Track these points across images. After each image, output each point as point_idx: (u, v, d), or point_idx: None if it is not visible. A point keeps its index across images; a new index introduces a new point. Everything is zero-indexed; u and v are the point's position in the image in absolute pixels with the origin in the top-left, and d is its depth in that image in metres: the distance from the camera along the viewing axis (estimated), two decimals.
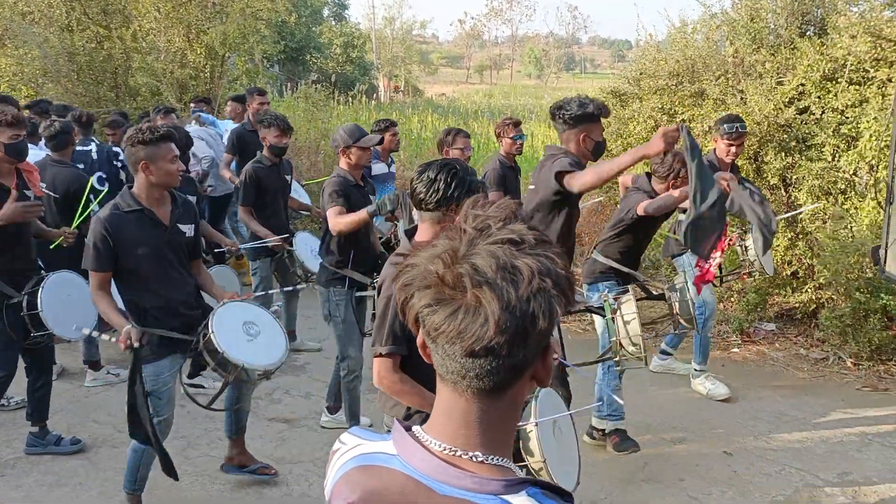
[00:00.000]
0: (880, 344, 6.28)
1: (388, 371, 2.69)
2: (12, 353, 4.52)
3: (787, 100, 6.87)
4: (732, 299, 7.54)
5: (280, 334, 3.95)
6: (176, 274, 3.81)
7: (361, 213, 4.56)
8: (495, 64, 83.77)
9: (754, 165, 7.05)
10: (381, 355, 2.69)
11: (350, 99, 18.27)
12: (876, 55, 6.52)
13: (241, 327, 3.81)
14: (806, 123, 6.80)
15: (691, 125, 7.27)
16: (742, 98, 7.11)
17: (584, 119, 3.89)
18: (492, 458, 1.06)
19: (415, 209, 2.82)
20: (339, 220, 4.60)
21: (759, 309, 7.23)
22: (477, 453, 1.06)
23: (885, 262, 4.57)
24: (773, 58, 7.12)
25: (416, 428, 1.12)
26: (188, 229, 3.89)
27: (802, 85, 6.84)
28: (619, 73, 8.92)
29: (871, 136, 6.31)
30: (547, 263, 1.02)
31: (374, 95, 19.97)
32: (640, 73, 8.08)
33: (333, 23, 33.78)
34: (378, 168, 6.47)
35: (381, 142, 5.89)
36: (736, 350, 6.84)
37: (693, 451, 4.97)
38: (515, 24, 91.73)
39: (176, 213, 3.84)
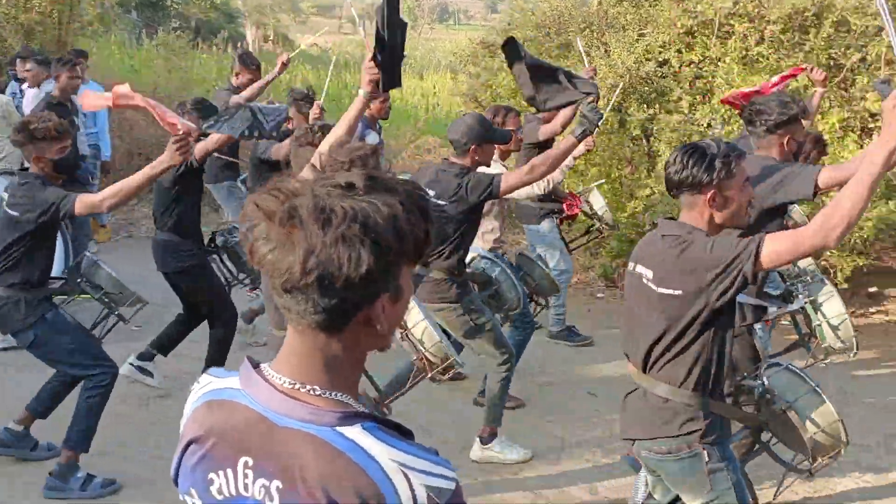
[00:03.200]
0: None
1: None
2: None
3: (647, 53, 7.08)
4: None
5: None
6: None
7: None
8: (369, 14, 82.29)
9: (618, 117, 7.25)
10: None
11: (214, 47, 17.47)
12: (738, 10, 6.80)
13: None
14: (665, 77, 7.04)
15: None
16: (606, 50, 7.27)
17: (788, 123, 3.48)
18: (332, 393, 1.10)
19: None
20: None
21: (622, 256, 7.52)
22: (316, 387, 1.09)
23: None
24: (636, 11, 7.31)
25: (264, 364, 1.15)
26: None
27: (664, 39, 7.06)
28: (490, 25, 8.90)
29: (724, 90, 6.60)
30: (368, 210, 1.02)
31: (240, 44, 19.17)
32: (509, 25, 8.11)
33: None
34: (370, 139, 5.86)
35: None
36: (601, 296, 7.11)
37: (560, 392, 5.18)
38: None
39: None
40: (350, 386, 1.14)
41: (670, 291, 2.54)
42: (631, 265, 2.75)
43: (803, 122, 3.76)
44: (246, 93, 5.68)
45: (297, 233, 1.01)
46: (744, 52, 6.57)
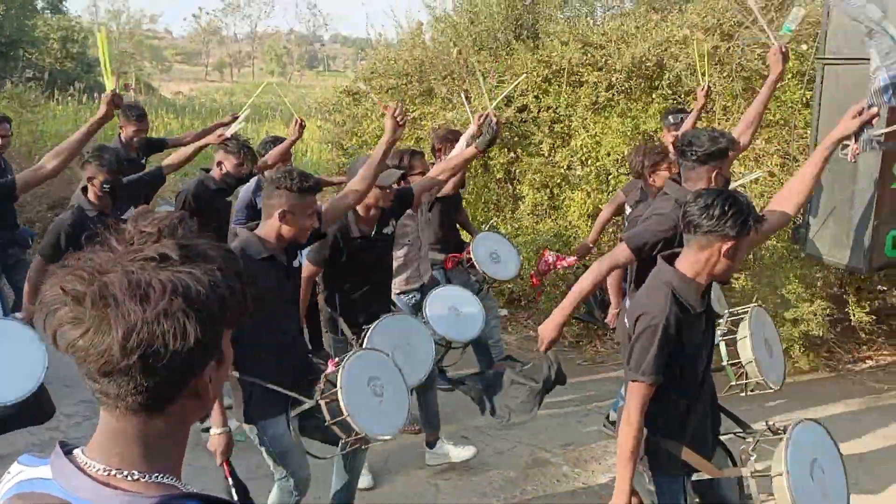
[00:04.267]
0: (587, 324, 6.89)
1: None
2: None
3: (507, 100, 7.32)
4: None
5: (403, 389, 3.52)
6: None
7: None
8: (236, 61, 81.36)
9: (482, 161, 7.43)
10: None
11: (69, 98, 16.78)
12: (587, 60, 7.15)
13: (367, 385, 3.37)
14: (525, 122, 7.29)
15: (422, 123, 7.54)
16: (466, 97, 7.46)
17: (716, 156, 3.54)
18: (153, 476, 1.04)
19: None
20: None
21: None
22: (134, 472, 1.03)
23: (805, 241, 4.90)
24: (494, 59, 7.56)
25: (77, 450, 1.08)
26: None
27: (522, 87, 7.32)
28: (353, 72, 8.97)
29: (581, 134, 6.91)
30: (188, 281, 0.99)
31: (97, 95, 18.50)
32: (372, 73, 8.21)
33: (50, 15, 30.86)
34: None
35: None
36: None
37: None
38: (255, 20, 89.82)
39: None
40: (174, 466, 1.09)
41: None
42: None
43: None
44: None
45: (112, 312, 0.96)
46: (594, 98, 6.89)
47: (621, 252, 3.48)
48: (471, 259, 5.41)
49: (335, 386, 3.24)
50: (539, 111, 7.23)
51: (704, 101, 5.13)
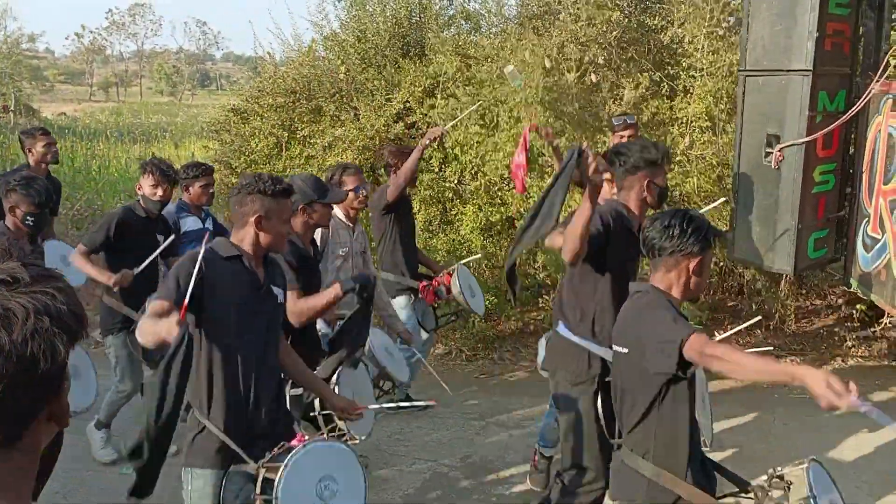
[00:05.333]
0: (484, 337, 7.09)
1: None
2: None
3: (395, 115, 7.36)
4: None
5: (359, 494, 3.05)
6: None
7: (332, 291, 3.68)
8: (122, 80, 78.69)
9: (372, 177, 7.42)
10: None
11: None
12: (467, 74, 7.26)
13: (314, 487, 2.92)
14: (414, 138, 7.33)
15: (311, 141, 7.47)
16: (356, 114, 7.46)
17: (644, 166, 3.58)
18: None
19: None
20: (301, 307, 3.66)
21: None
22: None
23: (732, 247, 5.04)
24: (381, 76, 7.58)
25: None
26: None
27: (408, 102, 7.38)
28: (238, 91, 8.82)
29: (461, 147, 7.01)
30: (45, 300, 0.97)
31: None
32: (260, 91, 8.08)
33: None
34: (189, 223, 5.26)
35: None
36: None
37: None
38: (141, 38, 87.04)
39: None
40: (24, 497, 1.03)
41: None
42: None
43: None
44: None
45: None
46: (481, 112, 7.02)
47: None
48: (448, 289, 5.41)
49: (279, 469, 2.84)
50: (427, 127, 7.29)
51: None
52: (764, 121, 4.75)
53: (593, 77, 6.88)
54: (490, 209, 7.04)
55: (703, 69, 6.66)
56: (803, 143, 4.53)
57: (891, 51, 4.68)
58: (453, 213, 7.32)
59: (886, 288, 4.49)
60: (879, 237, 4.51)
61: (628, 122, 5.35)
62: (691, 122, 6.70)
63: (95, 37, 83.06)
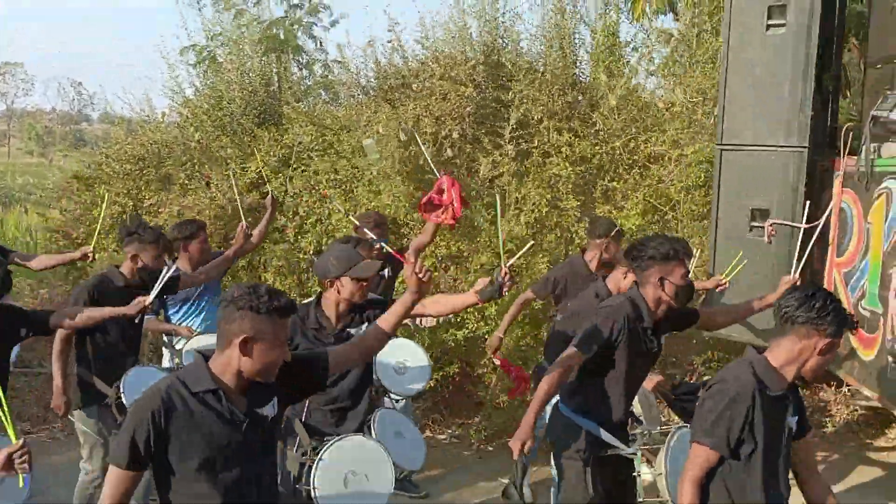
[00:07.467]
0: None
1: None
2: None
3: (249, 184, 7.15)
4: None
5: None
6: None
7: None
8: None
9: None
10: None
11: None
12: (323, 144, 7.17)
13: None
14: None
15: (159, 211, 7.14)
16: (207, 183, 7.20)
17: (661, 259, 3.45)
18: None
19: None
20: None
21: None
22: None
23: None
24: (235, 144, 7.38)
25: None
26: None
27: (262, 170, 7.19)
28: (79, 158, 8.41)
29: (316, 219, 6.87)
30: None
31: None
32: (106, 157, 7.70)
33: None
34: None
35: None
36: None
37: None
38: (11, 97, 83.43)
39: None
40: None
41: None
42: None
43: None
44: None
45: None
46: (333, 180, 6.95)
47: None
48: None
49: None
50: (284, 197, 7.12)
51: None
52: (738, 191, 5.00)
53: (449, 151, 6.91)
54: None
55: (557, 146, 6.81)
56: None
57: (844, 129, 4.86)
58: (309, 285, 7.10)
59: (846, 359, 4.67)
60: None
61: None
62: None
63: None
